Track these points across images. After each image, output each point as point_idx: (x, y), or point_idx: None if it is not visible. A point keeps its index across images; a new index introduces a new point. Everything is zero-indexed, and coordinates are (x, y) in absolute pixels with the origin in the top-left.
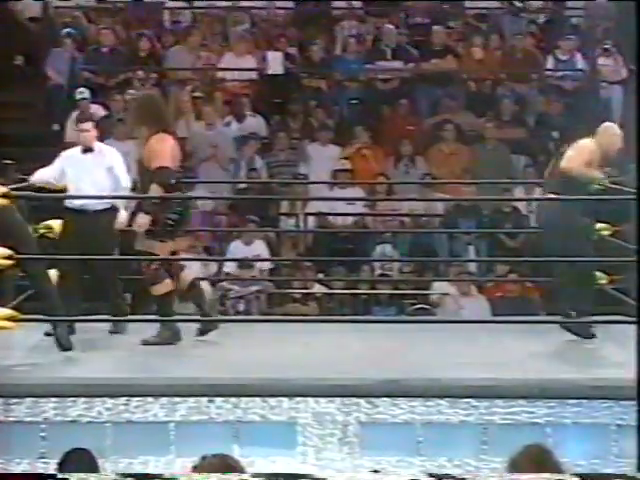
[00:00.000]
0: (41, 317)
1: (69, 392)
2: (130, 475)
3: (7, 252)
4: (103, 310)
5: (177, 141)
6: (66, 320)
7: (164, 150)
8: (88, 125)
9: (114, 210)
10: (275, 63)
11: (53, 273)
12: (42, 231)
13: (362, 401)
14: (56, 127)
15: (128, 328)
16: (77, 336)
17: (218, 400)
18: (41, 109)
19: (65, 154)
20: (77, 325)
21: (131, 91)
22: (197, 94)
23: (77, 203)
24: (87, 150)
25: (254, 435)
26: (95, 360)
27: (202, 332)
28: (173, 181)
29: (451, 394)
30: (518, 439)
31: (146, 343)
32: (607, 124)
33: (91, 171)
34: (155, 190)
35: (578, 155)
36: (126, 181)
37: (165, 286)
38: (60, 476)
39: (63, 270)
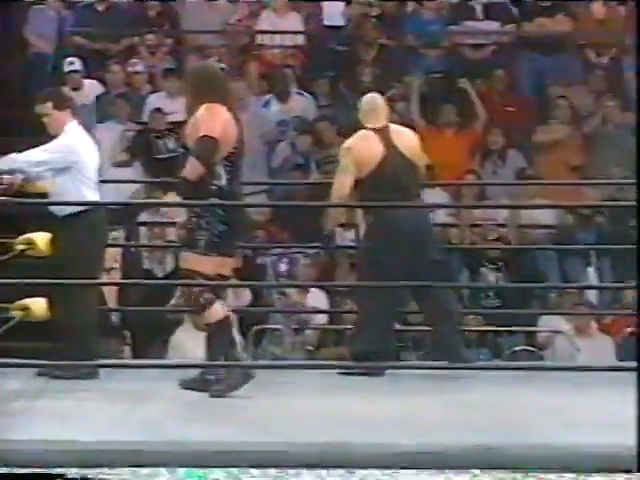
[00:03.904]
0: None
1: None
2: None
3: None
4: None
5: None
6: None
7: (213, 120)
8: (48, 106)
9: None
10: (334, 13)
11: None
12: (20, 247)
13: (445, 473)
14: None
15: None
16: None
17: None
18: (19, 85)
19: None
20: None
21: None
22: (223, 65)
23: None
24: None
25: None
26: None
27: (224, 389)
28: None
29: (563, 465)
30: None
31: (216, 394)
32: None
33: None
34: (193, 167)
35: None
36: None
37: (218, 312)
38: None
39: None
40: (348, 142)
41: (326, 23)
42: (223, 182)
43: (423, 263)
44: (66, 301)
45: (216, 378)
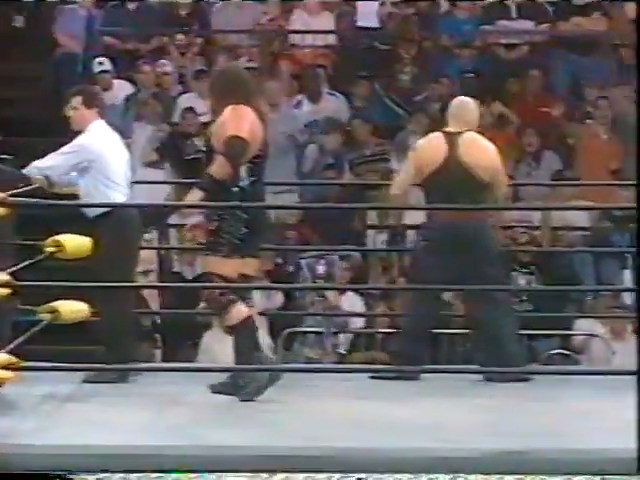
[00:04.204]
0: (49, 365)
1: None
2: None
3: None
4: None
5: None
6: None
7: (241, 121)
8: (77, 100)
9: None
10: (368, 13)
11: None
12: (50, 249)
13: (474, 478)
14: None
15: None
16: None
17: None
18: (48, 86)
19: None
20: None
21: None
22: (255, 65)
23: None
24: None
25: None
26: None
27: (252, 392)
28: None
29: (597, 470)
30: None
31: (245, 398)
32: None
33: None
34: (221, 167)
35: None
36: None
37: (240, 312)
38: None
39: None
40: (417, 142)
41: (360, 24)
42: (246, 184)
43: (465, 271)
44: (97, 303)
45: (245, 382)
